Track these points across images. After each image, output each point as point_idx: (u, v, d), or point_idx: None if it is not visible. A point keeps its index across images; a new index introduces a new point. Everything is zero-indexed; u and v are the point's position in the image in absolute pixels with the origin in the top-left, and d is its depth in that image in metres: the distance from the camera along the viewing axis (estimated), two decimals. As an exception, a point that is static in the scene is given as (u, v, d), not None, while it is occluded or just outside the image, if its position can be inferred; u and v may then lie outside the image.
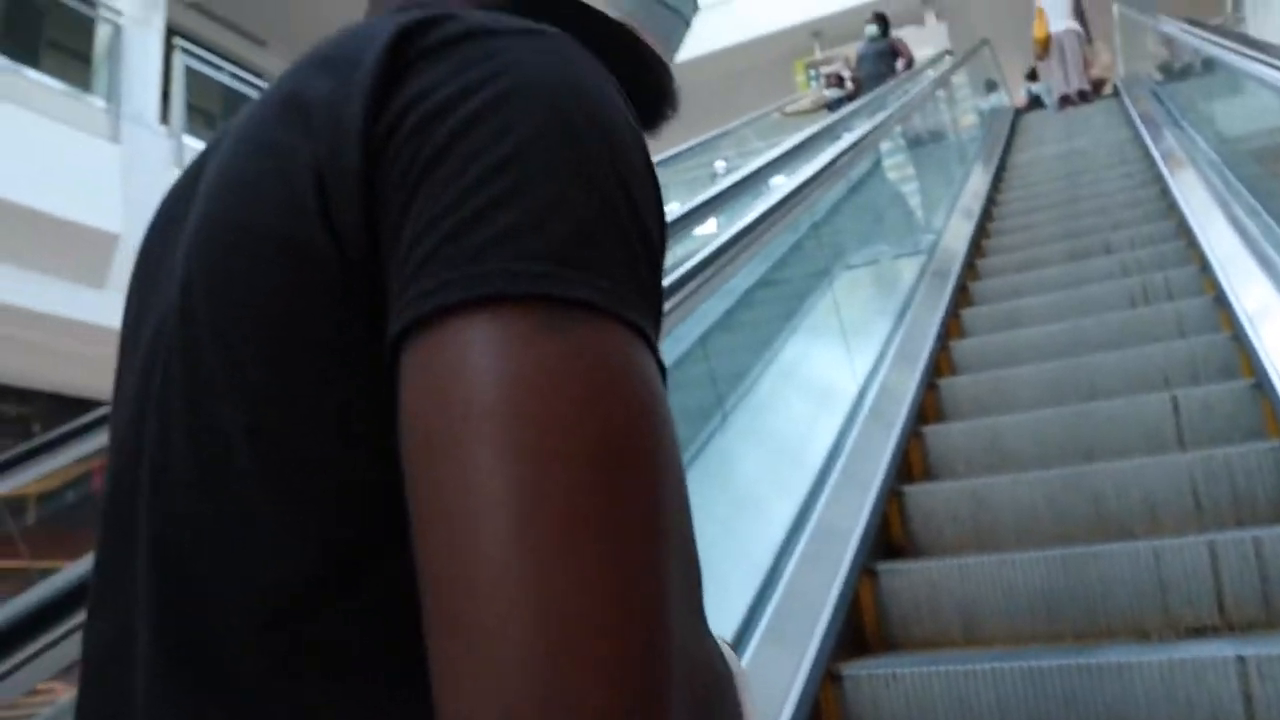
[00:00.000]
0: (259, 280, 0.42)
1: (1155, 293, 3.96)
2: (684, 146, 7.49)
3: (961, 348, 3.96)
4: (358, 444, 0.41)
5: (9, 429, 7.16)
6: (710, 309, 3.27)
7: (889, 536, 2.81)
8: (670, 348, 3.10)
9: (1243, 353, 3.17)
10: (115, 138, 6.79)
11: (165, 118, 7.43)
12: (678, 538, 0.37)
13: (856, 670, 2.20)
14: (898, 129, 5.72)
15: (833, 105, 9.26)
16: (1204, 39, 5.43)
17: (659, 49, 0.57)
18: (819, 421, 3.18)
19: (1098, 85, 10.00)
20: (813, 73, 12.27)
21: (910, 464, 3.13)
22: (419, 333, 0.37)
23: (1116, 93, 9.26)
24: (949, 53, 10.01)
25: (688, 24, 0.59)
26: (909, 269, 4.65)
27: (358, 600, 0.41)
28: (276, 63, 11.60)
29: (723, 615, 2.19)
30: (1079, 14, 9.74)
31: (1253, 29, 8.95)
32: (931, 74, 7.75)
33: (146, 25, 7.43)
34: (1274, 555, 2.23)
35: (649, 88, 0.56)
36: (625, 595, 0.34)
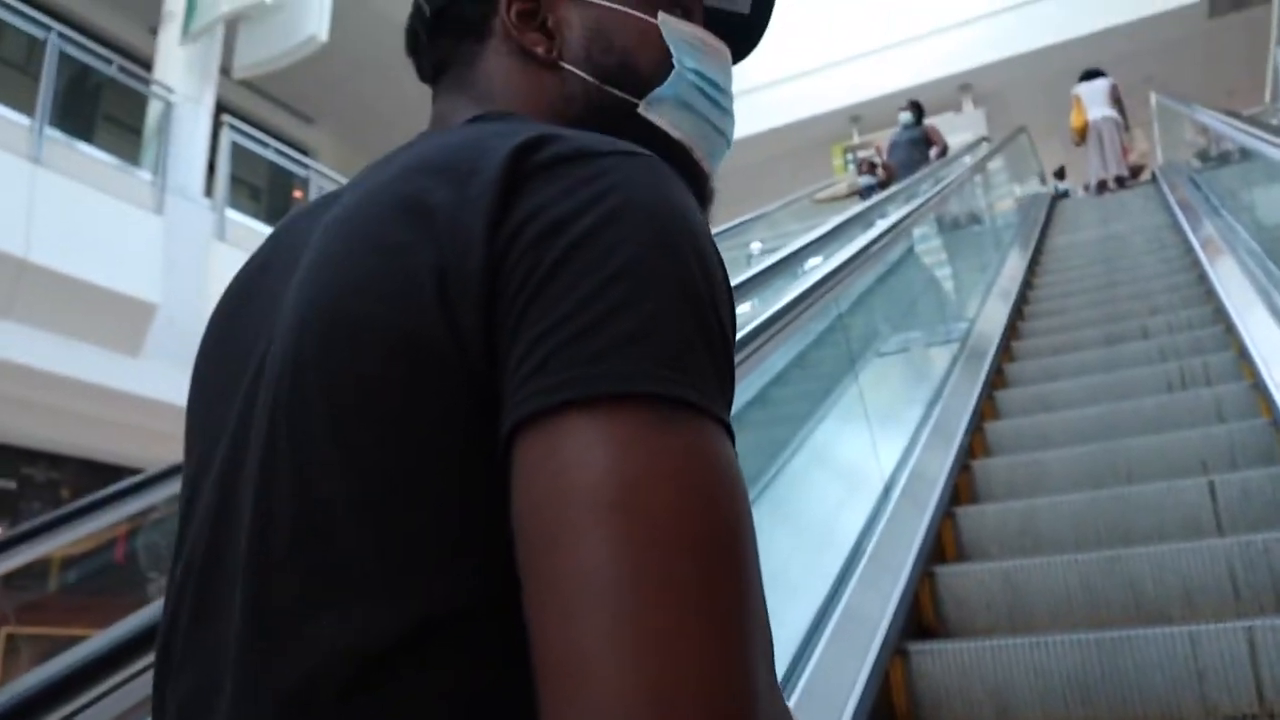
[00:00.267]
0: (378, 370, 0.47)
1: (1193, 378, 4.00)
2: (723, 228, 7.73)
3: (996, 429, 4.00)
4: (455, 524, 0.46)
5: (39, 494, 7.31)
6: (740, 393, 3.35)
7: (920, 618, 2.83)
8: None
9: (1281, 439, 3.20)
10: (159, 210, 7.06)
11: (210, 191, 7.73)
12: (760, 612, 0.42)
13: (888, 750, 2.22)
14: (932, 215, 5.82)
15: (864, 193, 9.36)
16: (1239, 129, 5.55)
17: (704, 164, 0.69)
18: (851, 503, 3.22)
19: (1135, 172, 10.15)
20: (850, 157, 12.52)
21: (943, 545, 3.16)
22: (539, 424, 0.42)
23: (1154, 180, 9.38)
24: (986, 139, 10.20)
25: (729, 144, 0.71)
26: (942, 356, 4.71)
27: (441, 668, 0.45)
28: (323, 139, 12.08)
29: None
30: (1116, 102, 9.95)
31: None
32: (968, 160, 7.89)
33: (197, 102, 7.78)
34: (1314, 643, 2.22)
35: (699, 197, 0.67)
36: (727, 675, 0.38)
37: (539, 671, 0.40)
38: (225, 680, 0.50)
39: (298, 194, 9.04)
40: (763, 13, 0.79)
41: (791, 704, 2.23)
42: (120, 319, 6.53)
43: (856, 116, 13.97)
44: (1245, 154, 5.69)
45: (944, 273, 6.28)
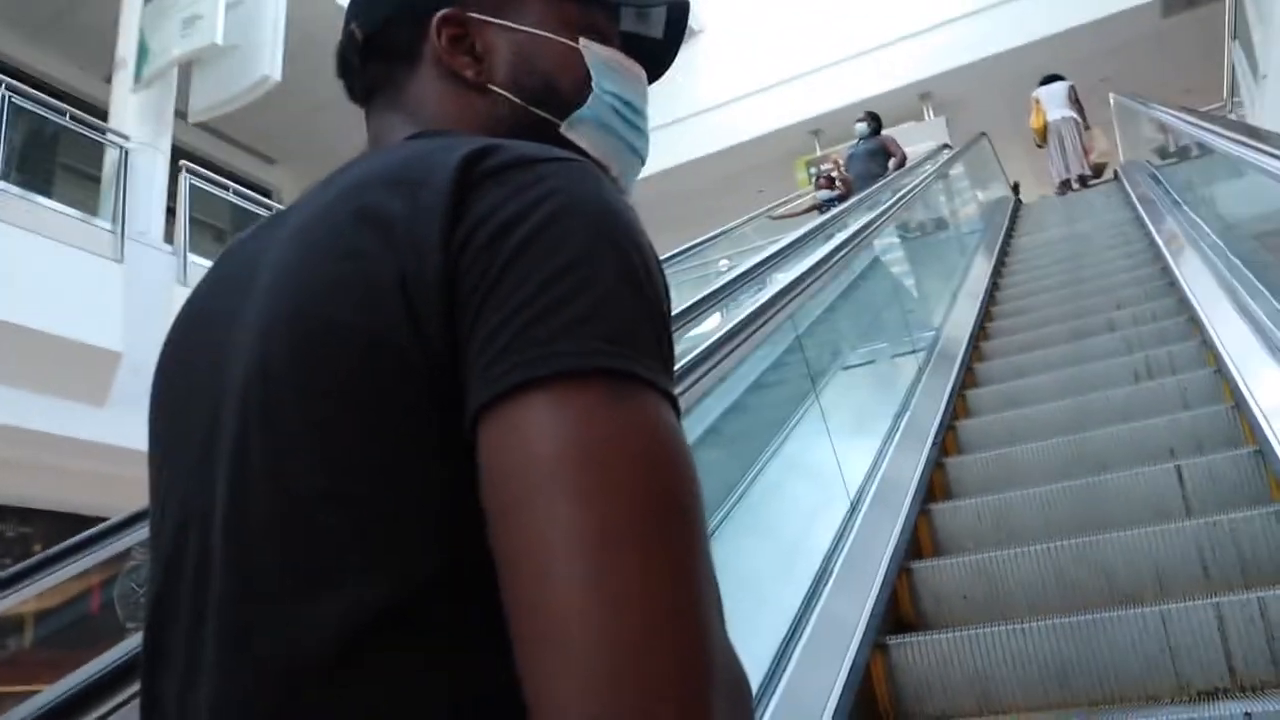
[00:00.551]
0: (349, 373, 0.52)
1: (1159, 368, 4.14)
2: (680, 249, 7.86)
3: (968, 427, 4.12)
4: (430, 509, 0.51)
5: (9, 549, 7.26)
6: (706, 409, 3.43)
7: (899, 613, 2.92)
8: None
9: (1245, 421, 3.32)
10: (119, 257, 7.08)
11: (170, 236, 7.76)
12: (709, 565, 0.48)
13: (871, 742, 2.29)
14: (892, 226, 5.89)
15: (823, 207, 9.28)
16: (1195, 125, 5.73)
17: (620, 181, 0.75)
18: (827, 506, 3.29)
19: (1098, 170, 10.40)
20: (813, 170, 12.70)
21: (920, 542, 3.26)
22: (502, 405, 0.47)
23: (1116, 178, 9.61)
24: (947, 146, 10.37)
25: (643, 162, 0.79)
26: (911, 361, 4.79)
27: (421, 643, 0.49)
28: (285, 179, 12.13)
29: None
30: (1075, 103, 10.22)
31: (1251, 116, 9.35)
32: (929, 167, 8.04)
33: (154, 148, 7.83)
34: (1280, 616, 2.32)
35: None
36: (688, 623, 0.44)
37: (514, 631, 0.45)
38: (206, 673, 0.54)
39: (261, 235, 9.00)
40: (675, 36, 0.83)
41: (773, 705, 2.30)
42: (84, 369, 6.52)
43: (818, 130, 14.14)
44: (1203, 149, 5.88)
45: (911, 280, 6.39)
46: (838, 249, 3.99)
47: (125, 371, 6.66)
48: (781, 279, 3.43)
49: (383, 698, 0.49)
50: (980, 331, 5.49)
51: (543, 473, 0.45)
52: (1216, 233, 5.04)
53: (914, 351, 4.75)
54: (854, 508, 3.22)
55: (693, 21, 15.43)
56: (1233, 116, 9.55)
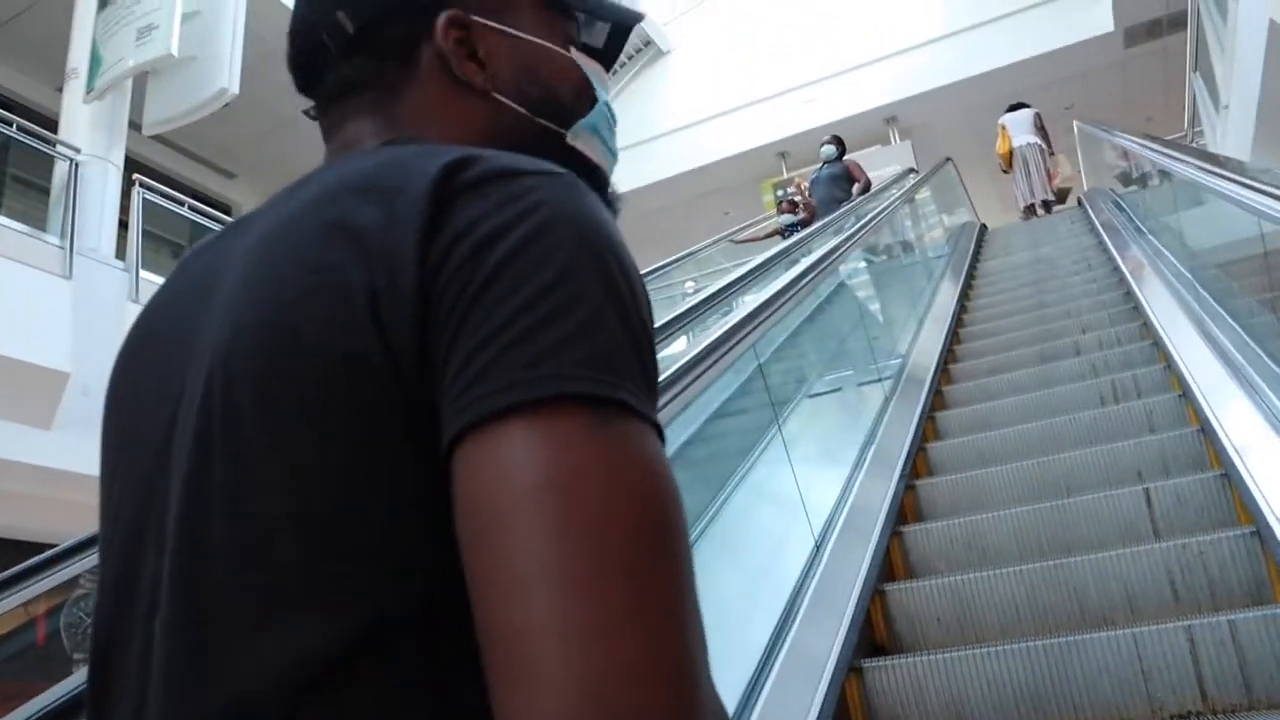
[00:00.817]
0: (315, 390, 0.50)
1: (1124, 391, 4.23)
2: (650, 268, 7.91)
3: (938, 450, 4.18)
4: (398, 536, 0.48)
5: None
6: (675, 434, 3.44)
7: (874, 636, 2.94)
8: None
9: (1210, 445, 3.40)
10: (67, 274, 6.96)
11: (123, 252, 7.65)
12: (694, 597, 0.45)
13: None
14: (858, 251, 5.93)
15: (786, 232, 9.24)
16: (1156, 151, 5.89)
17: (615, 189, 0.76)
18: (798, 530, 3.31)
19: (1061, 195, 10.66)
20: (780, 193, 12.84)
21: (892, 564, 3.29)
22: (482, 429, 0.45)
23: (1080, 204, 9.84)
24: (913, 170, 10.54)
25: (616, 161, 0.79)
26: (879, 385, 4.84)
27: (386, 676, 0.47)
28: (246, 194, 12.03)
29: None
30: (1040, 129, 10.49)
31: (1212, 145, 9.63)
32: (894, 192, 8.15)
33: (105, 161, 7.72)
34: (1250, 639, 2.38)
35: (611, 210, 0.75)
36: (669, 656, 0.42)
37: (486, 661, 0.43)
38: (155, 705, 0.51)
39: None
40: (615, 47, 0.81)
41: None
42: (30, 390, 6.38)
43: (784, 152, 14.34)
44: (1164, 176, 6.03)
45: (878, 305, 6.45)
46: (801, 276, 3.95)
47: (73, 392, 6.52)
48: (749, 301, 3.43)
49: None
50: (949, 355, 5.57)
51: (521, 500, 0.44)
52: (1179, 258, 5.17)
53: (880, 380, 4.77)
54: (829, 525, 3.25)
55: (661, 42, 15.62)
56: (1194, 146, 9.81)
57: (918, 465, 4.02)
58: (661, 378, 2.47)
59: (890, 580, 3.18)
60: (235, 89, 7.88)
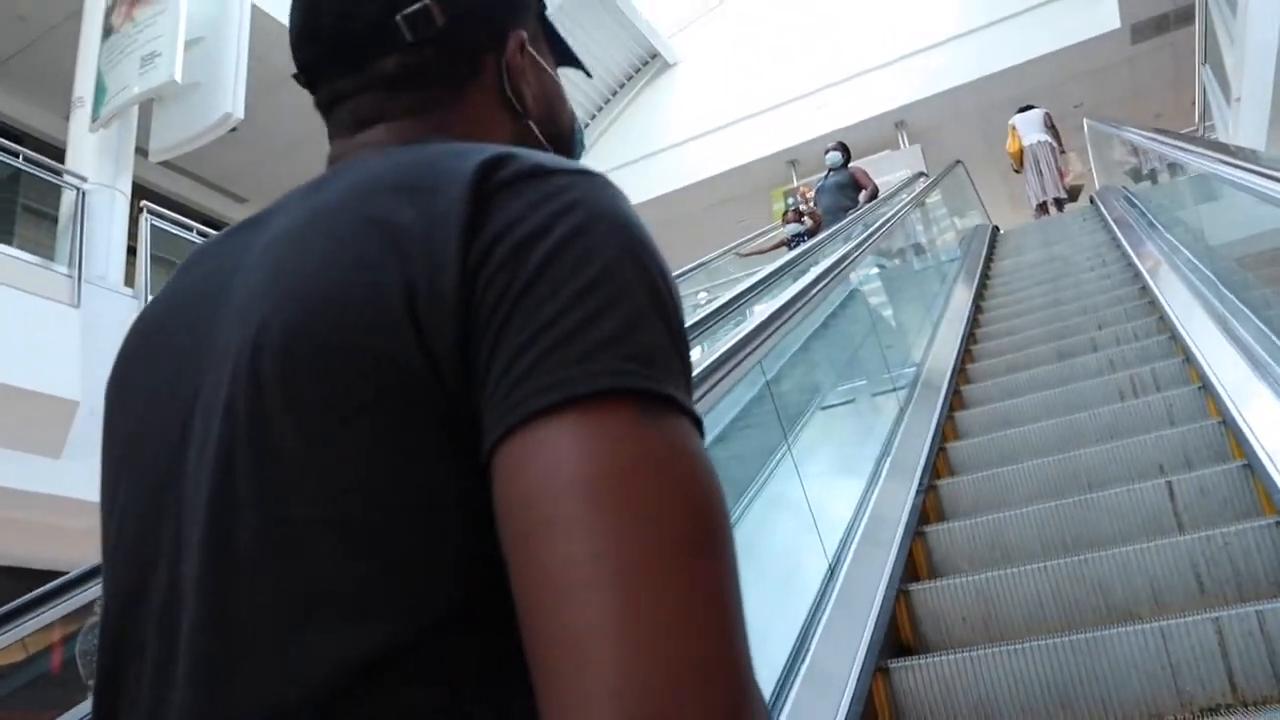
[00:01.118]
0: (348, 386, 0.49)
1: (1143, 385, 4.24)
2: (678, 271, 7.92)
3: (958, 449, 4.19)
4: (434, 541, 0.48)
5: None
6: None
7: (899, 636, 2.95)
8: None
9: (1232, 436, 3.41)
10: (76, 302, 7.04)
11: (131, 279, 7.71)
12: (740, 596, 0.45)
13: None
14: (869, 259, 5.90)
15: (792, 243, 9.15)
16: (1171, 145, 5.91)
17: None
18: (822, 530, 3.32)
19: (1073, 193, 10.68)
20: (790, 201, 12.87)
21: (916, 564, 3.30)
22: (530, 425, 0.45)
23: (1092, 202, 9.84)
24: (923, 174, 10.56)
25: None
26: (899, 388, 4.84)
27: (422, 682, 0.47)
28: (254, 217, 12.15)
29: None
30: (1050, 128, 10.52)
31: (1224, 139, 9.62)
32: (904, 196, 8.14)
33: (112, 189, 7.80)
34: (1278, 630, 2.39)
35: None
36: (716, 651, 0.42)
37: (534, 663, 0.43)
38: (175, 715, 0.51)
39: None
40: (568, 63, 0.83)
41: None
42: (40, 420, 6.43)
43: (794, 160, 14.40)
44: (1176, 170, 6.05)
45: (892, 311, 6.44)
46: (803, 293, 3.83)
47: (82, 421, 6.58)
48: (753, 315, 3.40)
49: None
50: (966, 355, 5.60)
51: (572, 496, 0.43)
52: (1192, 252, 5.19)
53: (894, 389, 4.75)
54: (852, 526, 3.26)
55: (667, 54, 15.73)
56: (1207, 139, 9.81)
57: (938, 466, 4.04)
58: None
59: (914, 580, 3.19)
60: (240, 114, 7.96)
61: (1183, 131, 8.63)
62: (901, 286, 6.99)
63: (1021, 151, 10.43)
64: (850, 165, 9.53)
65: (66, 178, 7.69)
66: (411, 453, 0.49)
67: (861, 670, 2.59)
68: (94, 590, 2.43)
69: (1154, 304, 5.24)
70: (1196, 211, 5.33)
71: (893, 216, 6.62)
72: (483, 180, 0.52)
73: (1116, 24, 12.03)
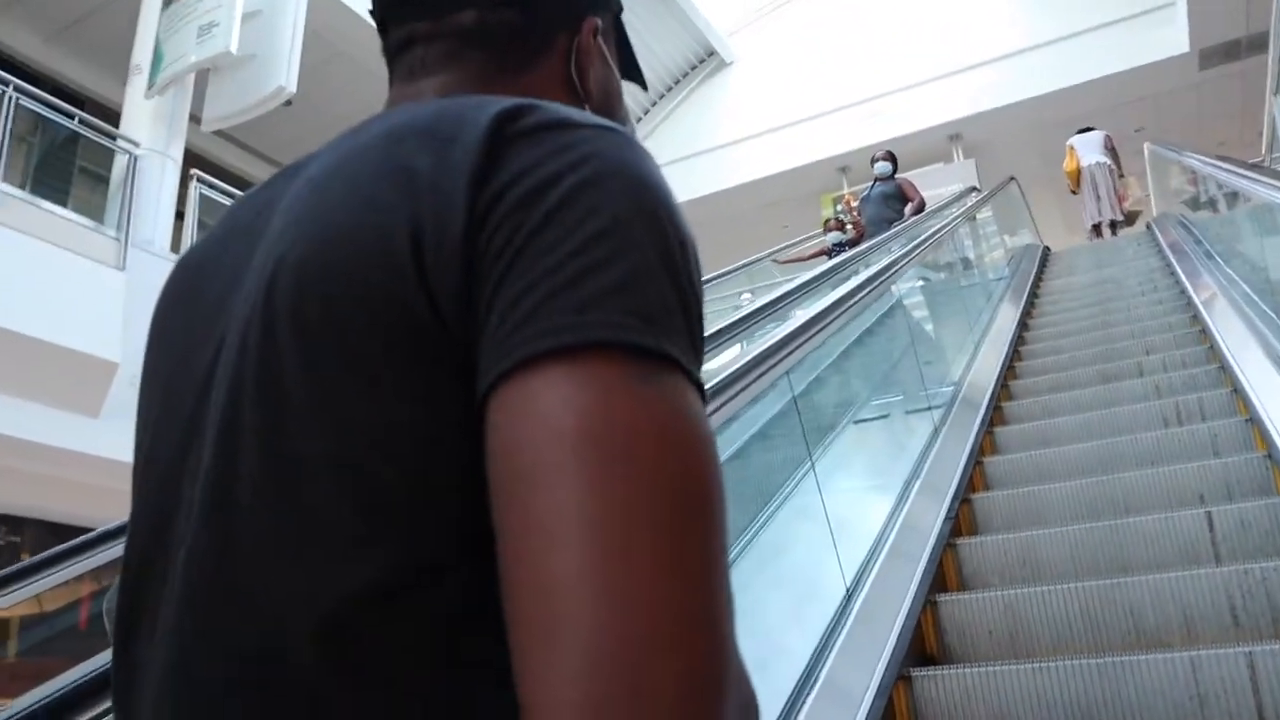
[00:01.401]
0: (352, 325, 0.50)
1: (1189, 414, 4.21)
2: (706, 278, 7.97)
3: (995, 465, 4.20)
4: (430, 480, 0.49)
5: (-1, 556, 7.33)
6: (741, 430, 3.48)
7: (923, 646, 2.96)
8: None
9: (1277, 471, 3.38)
10: (121, 265, 7.19)
11: (177, 245, 7.86)
12: (726, 562, 0.45)
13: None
14: (913, 272, 5.83)
15: (833, 251, 9.02)
16: (1236, 173, 5.86)
17: None
18: (853, 533, 3.34)
19: (1131, 218, 10.59)
20: (838, 209, 12.86)
21: (945, 576, 3.31)
22: (523, 371, 0.45)
23: (1148, 229, 9.76)
24: (975, 189, 10.51)
25: None
26: (940, 398, 4.82)
27: (412, 619, 0.48)
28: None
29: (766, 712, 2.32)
30: (1110, 150, 10.44)
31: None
32: (954, 210, 8.06)
33: (164, 155, 7.96)
34: (1315, 668, 2.35)
35: None
36: (695, 609, 0.42)
37: (510, 610, 0.43)
38: (175, 637, 0.53)
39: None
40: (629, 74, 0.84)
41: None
42: (81, 379, 6.58)
43: (845, 167, 14.36)
44: (1236, 199, 5.99)
45: (934, 325, 6.42)
46: (840, 301, 3.78)
47: (122, 383, 6.72)
48: (787, 322, 3.35)
49: (370, 681, 0.47)
50: (1009, 371, 5.59)
51: (559, 445, 0.43)
52: (1250, 285, 5.14)
53: (929, 408, 4.67)
54: (883, 534, 3.28)
55: (724, 53, 15.74)
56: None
57: (974, 480, 4.04)
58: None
59: (943, 591, 3.20)
60: (293, 87, 8.09)
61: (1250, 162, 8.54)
62: (945, 302, 6.97)
63: (1079, 172, 10.36)
64: (897, 176, 9.35)
65: (120, 142, 7.85)
66: (412, 394, 0.49)
67: (885, 674, 2.61)
68: (120, 548, 2.44)
69: (1205, 333, 5.20)
70: (1260, 244, 5.28)
71: (938, 231, 6.55)
72: (500, 128, 0.52)
73: (1185, 48, 11.87)
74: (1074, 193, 10.70)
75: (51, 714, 1.16)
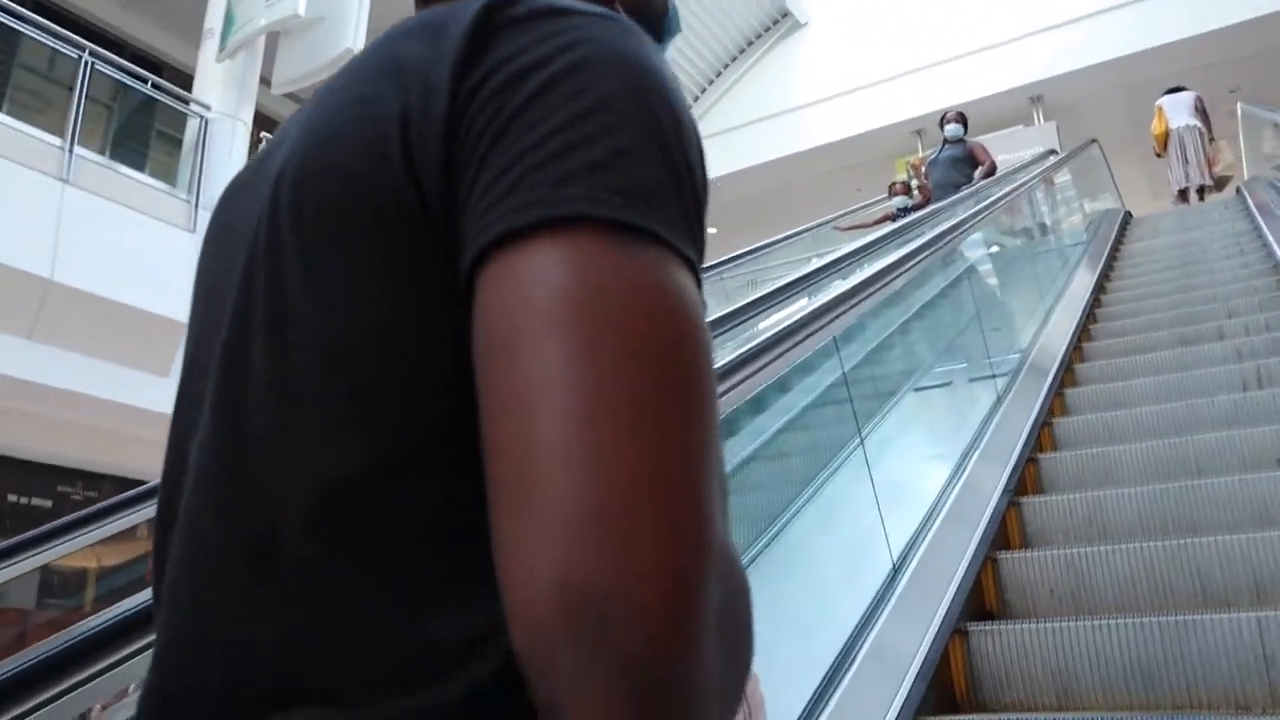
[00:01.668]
0: (341, 210, 0.52)
1: (1270, 377, 4.13)
2: (775, 238, 8.01)
3: (1064, 425, 4.18)
4: (422, 365, 0.50)
5: (75, 511, 7.64)
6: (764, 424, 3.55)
7: (982, 601, 2.98)
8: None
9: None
10: (192, 228, 7.41)
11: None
12: (714, 443, 0.45)
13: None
14: (983, 236, 5.75)
15: (897, 215, 8.77)
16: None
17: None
18: (917, 485, 3.37)
19: (1220, 183, 10.26)
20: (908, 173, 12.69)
21: (1008, 533, 3.32)
22: (505, 246, 0.46)
23: (1238, 192, 9.47)
24: (1054, 152, 10.26)
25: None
26: (1010, 359, 4.79)
27: (406, 501, 0.49)
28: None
29: (814, 668, 2.37)
30: (1201, 113, 10.11)
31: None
32: (1030, 173, 7.84)
33: (234, 118, 8.16)
34: (1384, 632, 2.32)
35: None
36: (675, 475, 0.42)
37: (490, 481, 0.44)
38: (206, 529, 0.55)
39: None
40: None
41: (851, 673, 2.36)
42: (150, 339, 6.79)
43: (920, 130, 14.12)
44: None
45: (1004, 291, 6.30)
46: (891, 267, 3.73)
47: (189, 343, 6.93)
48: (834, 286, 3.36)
49: (357, 560, 0.49)
50: (1083, 333, 5.53)
51: (538, 315, 0.44)
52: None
53: (994, 376, 4.58)
54: (946, 488, 3.30)
55: (798, 14, 15.57)
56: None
57: (1042, 439, 4.03)
58: (741, 353, 2.44)
59: (1005, 548, 3.20)
60: (360, 49, 8.21)
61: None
62: (1018, 268, 6.84)
63: (1167, 135, 10.06)
64: (968, 139, 9.03)
65: (192, 106, 8.07)
66: (401, 281, 0.50)
67: (940, 628, 2.63)
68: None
69: (1292, 296, 5.08)
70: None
71: (1002, 197, 6.34)
72: (489, 16, 0.52)
73: (1282, 4, 11.45)
74: (1159, 155, 10.39)
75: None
